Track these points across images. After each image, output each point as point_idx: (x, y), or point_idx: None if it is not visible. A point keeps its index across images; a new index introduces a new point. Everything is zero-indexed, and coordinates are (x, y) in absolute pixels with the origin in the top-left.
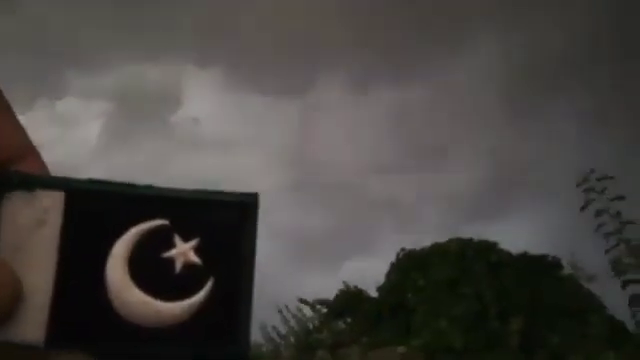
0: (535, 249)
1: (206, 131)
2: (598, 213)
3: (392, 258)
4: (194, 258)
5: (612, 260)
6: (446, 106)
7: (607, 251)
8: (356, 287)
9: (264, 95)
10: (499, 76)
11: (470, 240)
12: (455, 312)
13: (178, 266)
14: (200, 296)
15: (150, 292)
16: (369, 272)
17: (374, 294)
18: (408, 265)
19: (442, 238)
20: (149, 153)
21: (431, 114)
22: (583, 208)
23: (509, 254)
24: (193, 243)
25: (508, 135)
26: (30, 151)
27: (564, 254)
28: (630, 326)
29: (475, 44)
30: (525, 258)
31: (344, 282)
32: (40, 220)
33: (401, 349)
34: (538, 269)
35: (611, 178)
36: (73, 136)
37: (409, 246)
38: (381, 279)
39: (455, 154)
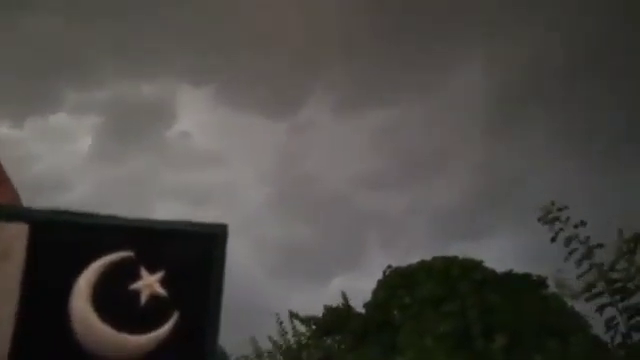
0: (520, 266)
1: (197, 146)
2: (567, 242)
3: (379, 274)
4: (160, 290)
5: (585, 285)
6: (433, 123)
7: (579, 277)
8: (344, 304)
9: (255, 112)
10: (485, 95)
11: (455, 258)
12: (440, 330)
13: (143, 298)
14: (165, 329)
15: (115, 324)
16: (356, 288)
17: (361, 310)
18: (394, 282)
19: (429, 254)
20: (140, 167)
21: (418, 131)
22: (553, 239)
23: (494, 272)
24: (159, 275)
25: (493, 152)
26: (1, 181)
27: (549, 272)
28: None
29: (462, 62)
30: (510, 276)
31: (343, 294)
32: (3, 253)
33: None
34: (522, 287)
35: (566, 208)
36: (65, 150)
37: (396, 262)
38: (368, 295)
39: (442, 171)
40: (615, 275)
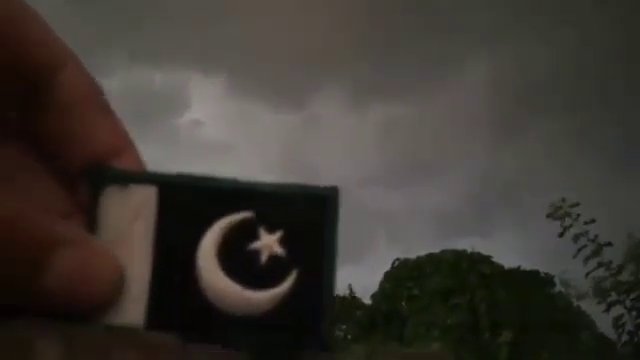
0: (525, 264)
1: (207, 136)
2: (575, 238)
3: (384, 268)
4: (278, 250)
5: (593, 283)
6: (440, 121)
7: (587, 275)
8: (351, 294)
9: (265, 103)
10: (492, 94)
11: (464, 252)
12: (448, 323)
13: (263, 258)
14: (284, 287)
15: (239, 281)
16: (361, 281)
17: (367, 302)
18: (403, 274)
19: (434, 250)
20: (149, 156)
21: (426, 128)
22: (561, 235)
23: (502, 267)
24: (277, 235)
25: (500, 151)
26: (128, 147)
27: (555, 271)
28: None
29: (470, 61)
30: (518, 272)
31: (349, 285)
32: (135, 214)
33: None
34: (530, 284)
35: (577, 205)
36: None
37: (402, 256)
38: (370, 289)
39: (447, 169)
40: (624, 277)
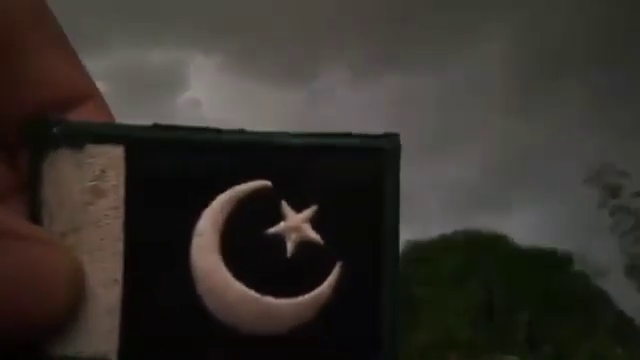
0: (545, 241)
1: (206, 115)
2: (614, 211)
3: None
4: (312, 235)
5: (628, 261)
6: (451, 93)
7: (623, 251)
8: None
9: (266, 81)
10: (507, 66)
11: (478, 232)
12: (462, 306)
13: (290, 246)
14: (324, 288)
15: (253, 284)
16: None
17: None
18: (414, 257)
19: (447, 228)
20: None
21: (437, 102)
22: (601, 206)
23: (518, 248)
24: (309, 212)
25: (514, 125)
26: (89, 93)
27: (574, 248)
28: None
29: (480, 31)
30: (535, 252)
31: None
32: (96, 188)
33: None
34: (547, 264)
35: (627, 175)
36: None
37: (414, 236)
38: None
39: (460, 142)
40: None
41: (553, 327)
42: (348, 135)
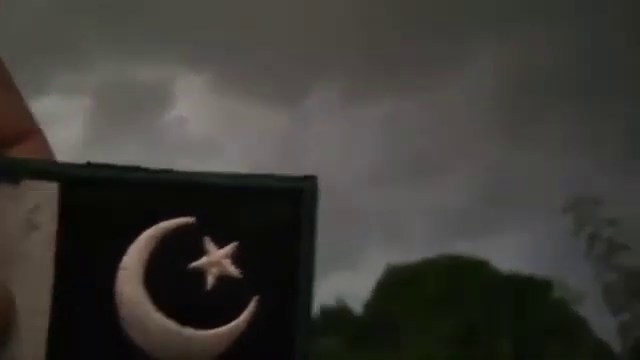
0: (524, 268)
1: (192, 134)
2: (590, 238)
3: (379, 272)
4: (231, 269)
5: (603, 286)
6: (441, 119)
7: (598, 277)
8: (341, 302)
9: (255, 101)
10: (493, 93)
11: (461, 257)
12: (444, 330)
13: (210, 280)
14: (240, 321)
15: (175, 316)
16: (355, 285)
17: (358, 309)
18: (396, 281)
19: (430, 253)
20: (131, 154)
21: (425, 127)
22: (576, 233)
23: (499, 273)
24: (230, 249)
25: (500, 153)
26: (31, 132)
27: (553, 274)
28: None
29: (471, 60)
30: (515, 278)
31: (338, 299)
32: (30, 222)
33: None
34: (528, 290)
35: (598, 203)
36: (52, 135)
37: (398, 260)
38: (367, 294)
39: (448, 169)
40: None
41: (534, 354)
42: (270, 177)
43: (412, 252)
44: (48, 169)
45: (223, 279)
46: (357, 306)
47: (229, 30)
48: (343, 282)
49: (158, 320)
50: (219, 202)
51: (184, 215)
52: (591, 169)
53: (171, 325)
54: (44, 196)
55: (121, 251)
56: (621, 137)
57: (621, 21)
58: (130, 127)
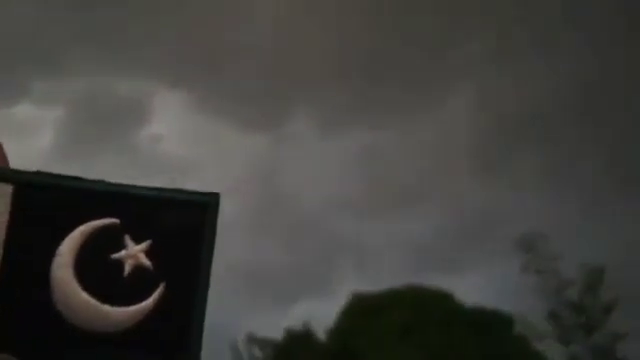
0: (487, 302)
1: (168, 152)
2: (538, 273)
3: (346, 300)
4: (145, 261)
5: (552, 319)
6: (417, 152)
7: (550, 313)
8: (305, 328)
9: (233, 122)
10: (468, 129)
11: (425, 289)
12: None
13: (127, 269)
14: (149, 302)
15: (97, 295)
16: (323, 313)
17: (324, 336)
18: (360, 309)
19: (398, 282)
20: (103, 169)
21: (401, 159)
22: (524, 269)
23: (463, 307)
24: (144, 245)
25: (473, 186)
26: None
27: (515, 310)
28: None
29: (452, 94)
30: (478, 312)
31: (304, 322)
32: None
33: None
34: (490, 324)
35: (545, 237)
36: (24, 145)
37: (366, 289)
38: (333, 319)
39: (421, 201)
40: (584, 317)
41: None
42: (182, 191)
43: (381, 281)
44: (5, 174)
45: (137, 268)
46: (323, 332)
47: (212, 51)
48: (312, 307)
49: (83, 298)
50: (139, 208)
51: (110, 217)
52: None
53: (93, 302)
54: (0, 195)
55: (58, 242)
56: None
57: (591, 67)
58: (104, 140)
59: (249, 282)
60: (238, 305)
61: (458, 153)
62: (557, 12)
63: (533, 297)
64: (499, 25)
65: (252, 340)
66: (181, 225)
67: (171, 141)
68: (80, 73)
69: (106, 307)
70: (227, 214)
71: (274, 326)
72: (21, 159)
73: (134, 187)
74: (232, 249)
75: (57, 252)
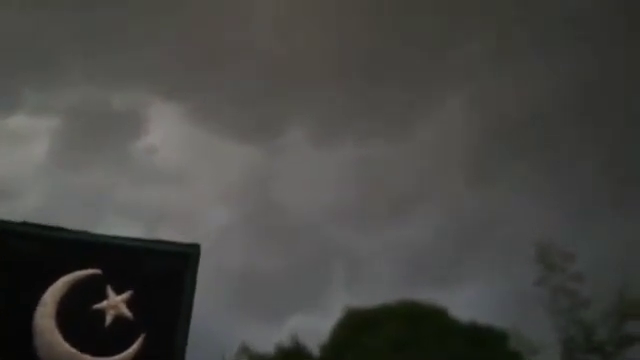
0: (484, 315)
1: (162, 163)
2: (554, 291)
3: (340, 313)
4: (125, 312)
5: (565, 339)
6: (411, 162)
7: (558, 329)
8: (297, 343)
9: (228, 133)
10: (464, 139)
11: (418, 303)
12: None
13: (108, 319)
14: (129, 353)
15: (78, 345)
16: (316, 326)
17: (317, 350)
18: (354, 324)
19: (392, 296)
20: (98, 179)
21: (395, 169)
22: (538, 283)
23: (457, 322)
24: (126, 295)
25: (469, 197)
26: None
27: (510, 324)
28: None
29: (447, 103)
30: (473, 328)
31: (294, 337)
32: None
33: None
34: (485, 340)
35: (571, 256)
36: (19, 155)
37: (359, 302)
38: (327, 335)
39: (415, 212)
40: (598, 337)
41: None
42: (163, 242)
43: (376, 294)
44: None
45: (119, 318)
46: (316, 347)
47: (210, 64)
48: (305, 321)
49: (64, 347)
50: (121, 259)
51: (93, 267)
52: (558, 221)
53: (74, 352)
54: None
55: (41, 291)
56: (588, 189)
57: (591, 67)
58: (99, 150)
59: (241, 295)
60: (230, 318)
61: (457, 157)
62: (557, 12)
63: (532, 312)
64: (499, 25)
65: (245, 353)
66: (162, 275)
67: (166, 152)
68: (80, 83)
69: (87, 357)
70: (219, 225)
71: (266, 340)
72: (15, 169)
73: (117, 238)
74: (226, 260)
75: (40, 302)
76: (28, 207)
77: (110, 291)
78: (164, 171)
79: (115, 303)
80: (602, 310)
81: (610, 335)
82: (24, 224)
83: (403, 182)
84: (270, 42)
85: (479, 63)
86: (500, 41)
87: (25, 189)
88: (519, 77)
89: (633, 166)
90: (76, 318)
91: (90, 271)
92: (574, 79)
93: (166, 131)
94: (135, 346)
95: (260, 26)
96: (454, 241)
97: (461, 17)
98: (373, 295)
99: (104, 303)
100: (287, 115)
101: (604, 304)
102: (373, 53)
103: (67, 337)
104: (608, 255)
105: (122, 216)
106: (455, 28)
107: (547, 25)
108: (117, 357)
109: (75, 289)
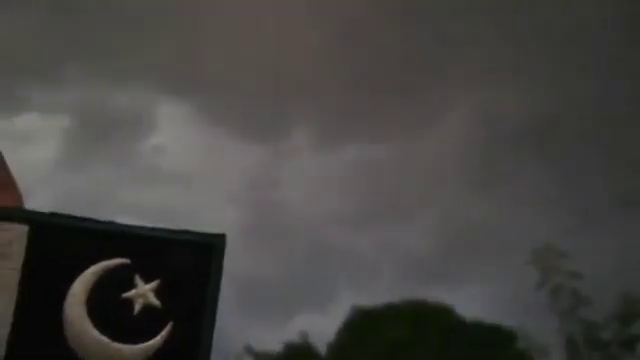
0: (491, 317)
1: (169, 163)
2: (555, 290)
3: (346, 314)
4: (154, 300)
5: (567, 339)
6: (415, 165)
7: (562, 331)
8: (305, 342)
9: (234, 135)
10: (463, 143)
11: (425, 302)
12: None
13: (137, 307)
14: (157, 340)
15: (107, 332)
16: (321, 326)
17: (324, 348)
18: (360, 324)
19: (397, 296)
20: (104, 179)
21: (399, 172)
22: (540, 286)
23: (464, 321)
24: (154, 284)
25: (471, 201)
26: (6, 184)
27: (519, 325)
28: None
29: (450, 109)
30: (479, 327)
31: (302, 334)
32: (2, 253)
33: None
34: (492, 339)
35: (566, 256)
36: (27, 154)
37: (364, 302)
38: (332, 335)
39: (419, 214)
40: (604, 335)
41: None
42: (189, 232)
43: (381, 295)
44: (22, 215)
45: (147, 307)
46: (323, 346)
47: (216, 65)
48: (311, 321)
49: (95, 336)
50: (149, 249)
51: (122, 257)
52: (559, 222)
53: (104, 340)
54: (16, 235)
55: (71, 280)
56: (590, 192)
57: (590, 79)
58: (107, 150)
59: (246, 295)
60: (235, 319)
61: (456, 166)
62: (557, 27)
63: (537, 312)
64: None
65: (250, 353)
66: (189, 265)
67: (173, 153)
68: (85, 84)
69: (117, 345)
70: (224, 226)
71: (272, 340)
72: (24, 169)
73: (144, 228)
74: (231, 261)
75: (70, 290)
76: (36, 206)
77: (138, 280)
78: (170, 170)
79: (144, 292)
80: (607, 310)
81: (616, 335)
82: (53, 215)
83: (406, 185)
84: (273, 47)
85: (481, 72)
86: (499, 52)
87: (33, 188)
88: (520, 87)
89: (635, 180)
90: (105, 307)
91: (118, 260)
92: (574, 92)
93: (174, 131)
94: (163, 333)
95: (263, 31)
96: (458, 243)
97: (461, 26)
98: (378, 295)
99: (132, 292)
100: (291, 118)
101: (608, 305)
102: (377, 58)
103: (97, 326)
104: (611, 256)
105: (129, 215)
106: (457, 35)
107: (547, 38)
108: (146, 344)
109: (104, 278)
